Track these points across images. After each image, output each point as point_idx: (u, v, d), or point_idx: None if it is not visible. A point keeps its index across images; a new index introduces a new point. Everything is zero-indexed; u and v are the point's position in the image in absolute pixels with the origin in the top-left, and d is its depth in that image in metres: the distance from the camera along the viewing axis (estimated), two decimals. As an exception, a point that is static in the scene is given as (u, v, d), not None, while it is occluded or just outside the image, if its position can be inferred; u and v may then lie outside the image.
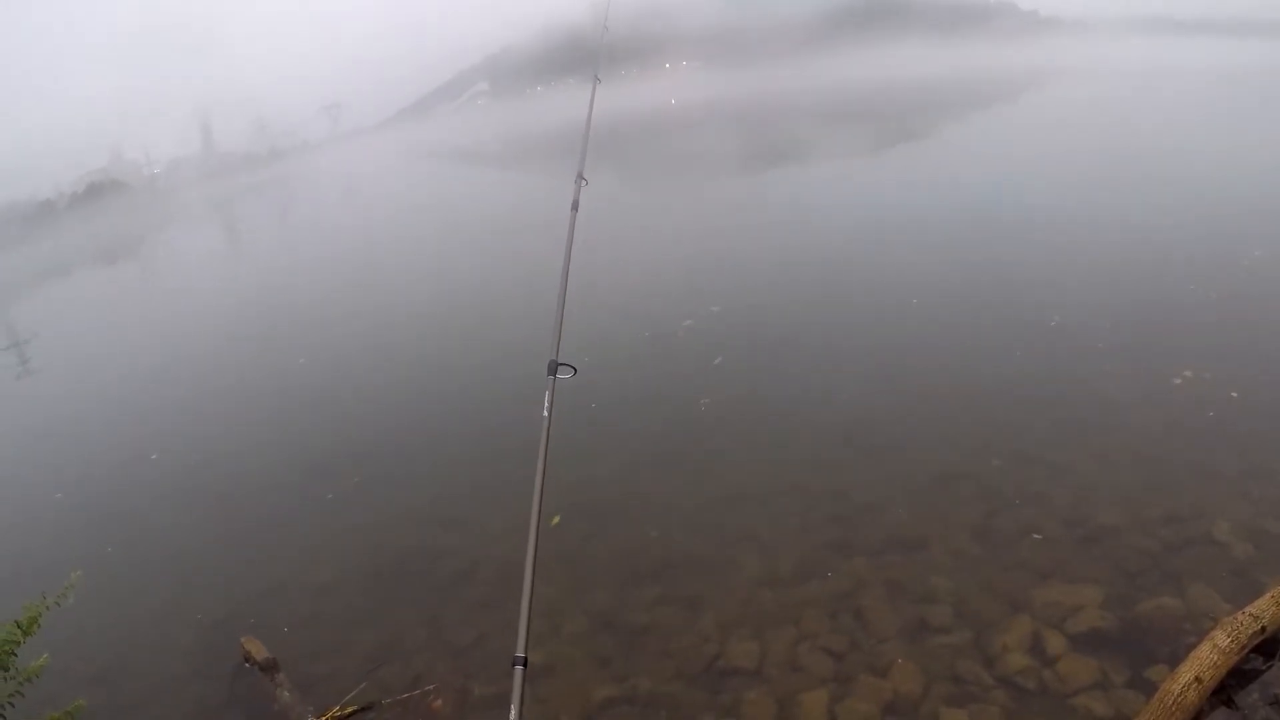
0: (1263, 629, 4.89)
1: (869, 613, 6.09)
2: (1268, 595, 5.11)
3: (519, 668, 2.96)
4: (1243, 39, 52.93)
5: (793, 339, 11.71)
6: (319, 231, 37.02)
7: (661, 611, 6.55)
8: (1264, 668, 4.94)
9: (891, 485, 7.67)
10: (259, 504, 9.84)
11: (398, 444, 10.68)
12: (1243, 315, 9.94)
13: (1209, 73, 39.12)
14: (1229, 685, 4.79)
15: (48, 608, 4.80)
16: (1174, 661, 4.91)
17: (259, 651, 6.62)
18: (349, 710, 6.03)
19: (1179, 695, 4.51)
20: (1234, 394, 8.11)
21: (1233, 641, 4.77)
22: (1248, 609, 4.98)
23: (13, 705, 4.63)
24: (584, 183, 5.36)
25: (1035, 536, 6.56)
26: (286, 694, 6.22)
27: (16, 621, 4.68)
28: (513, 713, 2.84)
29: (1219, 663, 4.69)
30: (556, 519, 7.60)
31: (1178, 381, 8.55)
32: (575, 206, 5.09)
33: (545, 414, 3.69)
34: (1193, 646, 4.88)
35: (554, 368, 3.91)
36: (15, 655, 4.67)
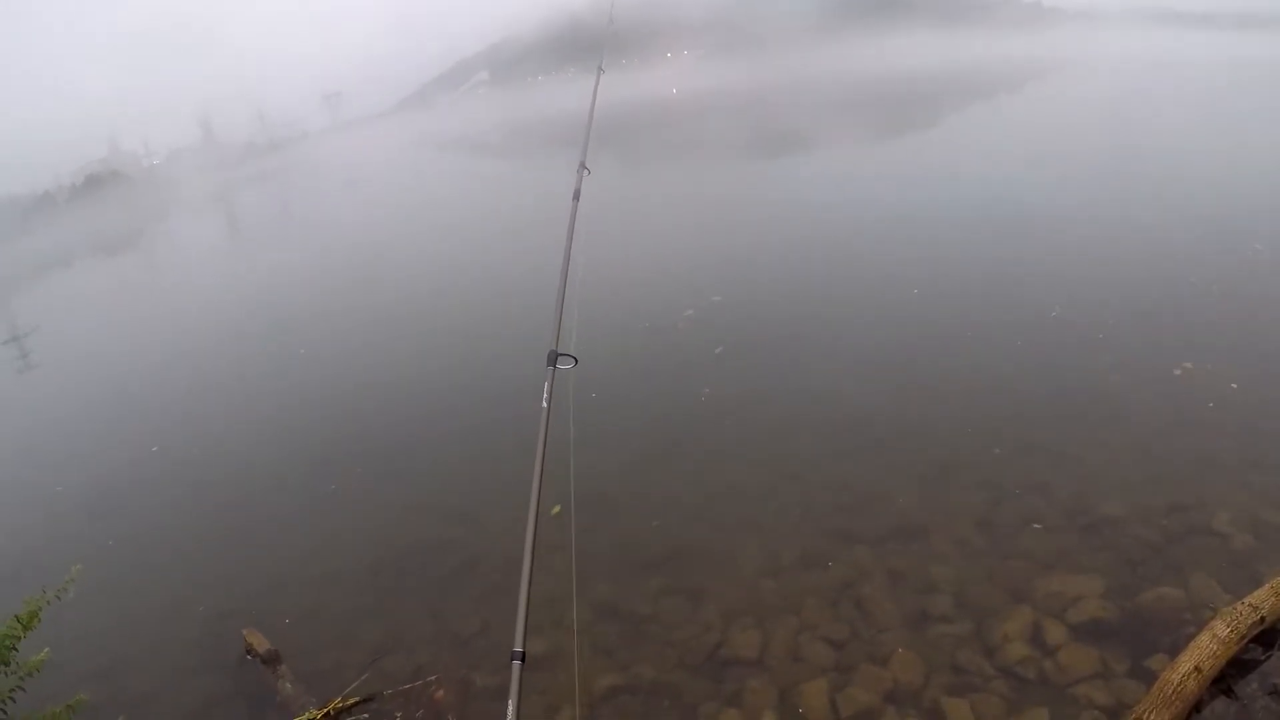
0: (1262, 619, 4.91)
1: (870, 602, 6.10)
2: (1267, 586, 5.13)
3: (517, 663, 2.94)
4: (1247, 32, 52.69)
5: (794, 329, 11.71)
6: (319, 222, 36.96)
7: (664, 601, 6.57)
8: (1263, 658, 4.96)
9: (893, 475, 7.68)
10: (260, 496, 9.85)
11: (400, 436, 10.68)
12: (1243, 308, 9.93)
13: (1213, 66, 38.95)
14: (1228, 675, 4.82)
15: (48, 602, 4.81)
16: (1174, 651, 4.93)
17: (261, 644, 6.64)
18: (351, 701, 6.05)
19: (1179, 684, 4.53)
20: (1234, 385, 8.12)
21: (1232, 632, 4.79)
22: (1247, 599, 5.01)
23: (14, 700, 4.64)
24: (586, 172, 5.32)
25: (1036, 526, 6.58)
26: (289, 686, 6.24)
27: (17, 616, 4.69)
28: (510, 708, 2.81)
29: (1218, 652, 4.71)
30: (557, 509, 7.58)
31: (1178, 373, 8.56)
32: (577, 196, 5.03)
33: (544, 404, 3.65)
34: (1192, 636, 4.90)
35: (554, 358, 3.86)
36: (16, 650, 4.68)
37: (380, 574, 7.77)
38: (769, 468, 8.22)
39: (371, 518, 8.82)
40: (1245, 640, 4.87)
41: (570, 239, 4.65)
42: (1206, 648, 4.71)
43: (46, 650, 4.84)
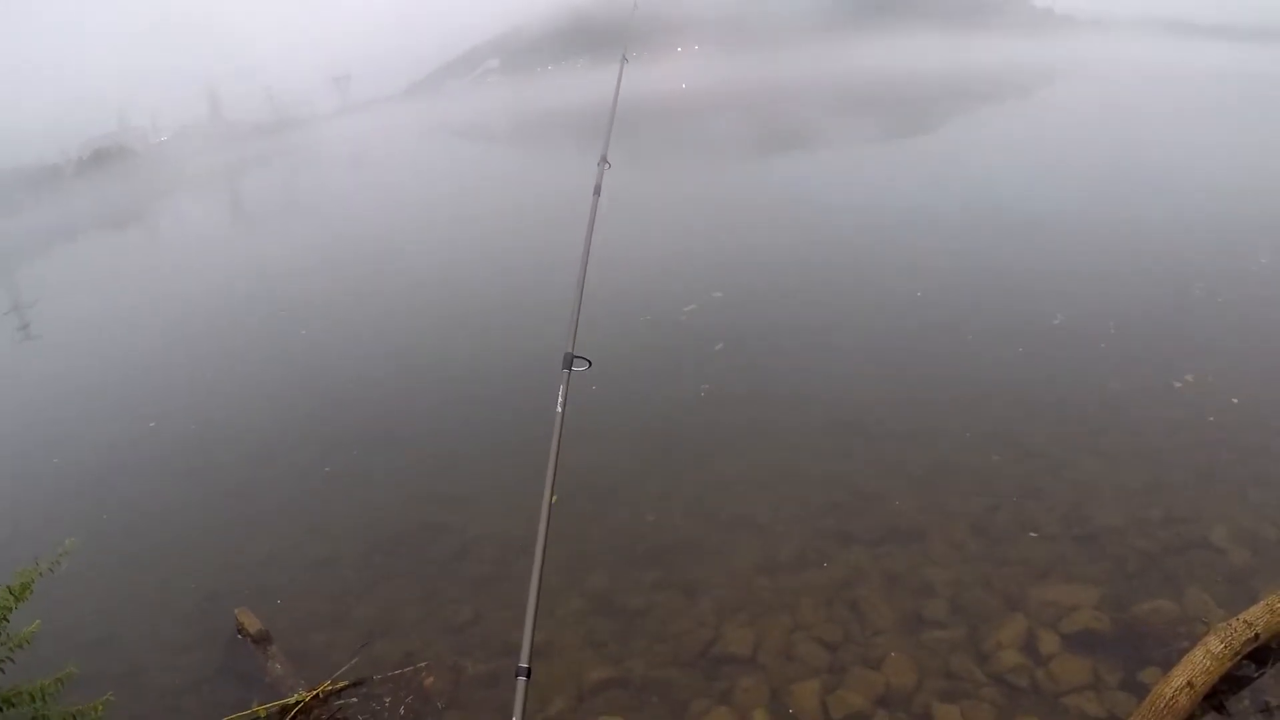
0: (1256, 636, 4.89)
1: (865, 604, 6.09)
2: (1262, 603, 5.11)
3: (522, 679, 2.82)
4: (1262, 45, 52.57)
5: (796, 327, 11.69)
6: (325, 206, 36.90)
7: (658, 596, 6.55)
8: (1256, 675, 4.94)
9: (891, 477, 7.67)
10: (256, 476, 9.84)
11: (397, 420, 10.67)
12: (1247, 322, 9.92)
13: (1226, 78, 38.90)
14: (1221, 691, 4.80)
15: (41, 574, 4.79)
16: (1167, 665, 4.91)
17: (252, 624, 6.62)
18: (340, 685, 6.04)
19: (1171, 699, 4.52)
20: (1235, 400, 8.10)
21: (1226, 647, 4.77)
22: (1242, 615, 4.98)
23: (2, 671, 4.63)
24: (607, 166, 5.13)
25: (1032, 534, 6.56)
26: (278, 666, 6.23)
27: (9, 587, 4.67)
28: None
29: (1211, 668, 4.70)
30: (554, 498, 7.57)
31: (1179, 385, 8.54)
32: (598, 191, 4.83)
33: (559, 409, 3.45)
34: (1186, 651, 4.88)
35: (569, 360, 3.68)
36: (7, 621, 4.67)
37: (373, 558, 7.75)
38: (767, 465, 8.20)
39: (366, 502, 8.80)
40: (1239, 657, 4.85)
41: (590, 236, 4.42)
42: (1200, 663, 4.69)
43: (37, 622, 4.83)
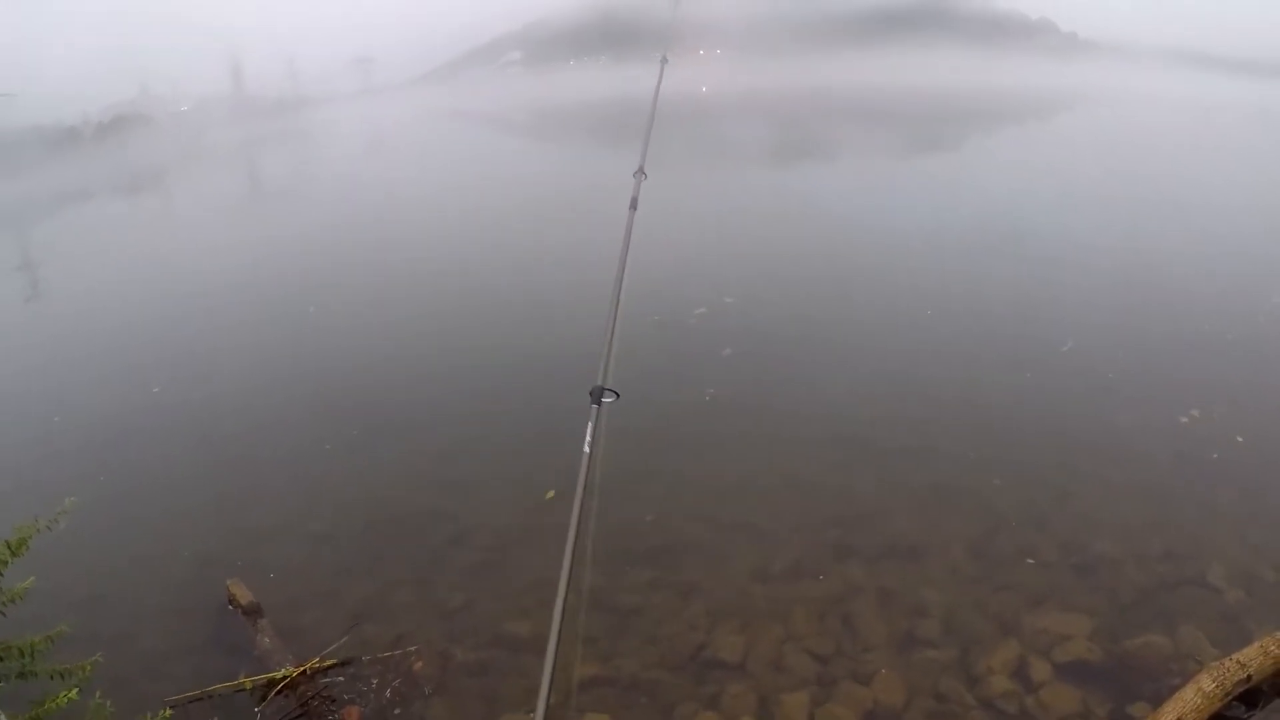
0: (1249, 677, 4.88)
1: (858, 619, 6.08)
2: (1256, 645, 5.10)
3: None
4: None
5: (805, 338, 11.67)
6: (342, 185, 36.85)
7: (652, 595, 6.54)
8: (1246, 716, 4.92)
9: (892, 493, 7.66)
10: (256, 448, 9.84)
11: (399, 403, 10.66)
12: (1256, 359, 9.93)
13: (1249, 113, 38.82)
14: (1209, 730, 4.78)
15: (39, 531, 4.78)
16: (1157, 701, 4.90)
17: (244, 595, 6.62)
18: (328, 663, 6.03)
19: (1160, 734, 4.50)
20: (1240, 438, 8.09)
21: (1218, 687, 4.76)
22: (1235, 656, 4.97)
23: (-5, 625, 4.63)
24: (643, 177, 4.76)
25: (1029, 561, 6.55)
26: (267, 640, 6.22)
27: (6, 541, 4.66)
28: None
29: (1201, 707, 4.69)
30: (551, 494, 7.57)
31: (1185, 420, 8.53)
32: (634, 205, 4.43)
33: (586, 449, 3.07)
34: (1176, 687, 4.88)
35: (599, 394, 3.27)
36: (2, 575, 4.66)
37: (370, 538, 7.76)
38: (769, 473, 8.19)
39: (364, 482, 8.79)
40: (1230, 697, 4.84)
41: (624, 256, 4.04)
42: (1190, 701, 4.68)
43: (31, 578, 4.82)
